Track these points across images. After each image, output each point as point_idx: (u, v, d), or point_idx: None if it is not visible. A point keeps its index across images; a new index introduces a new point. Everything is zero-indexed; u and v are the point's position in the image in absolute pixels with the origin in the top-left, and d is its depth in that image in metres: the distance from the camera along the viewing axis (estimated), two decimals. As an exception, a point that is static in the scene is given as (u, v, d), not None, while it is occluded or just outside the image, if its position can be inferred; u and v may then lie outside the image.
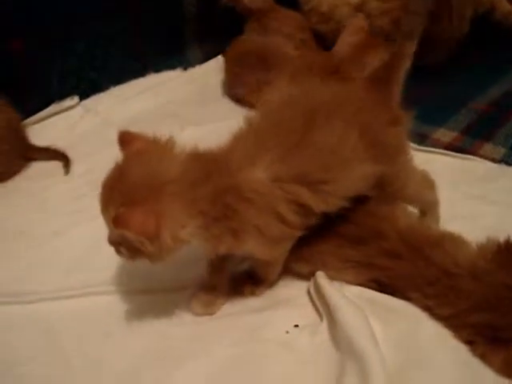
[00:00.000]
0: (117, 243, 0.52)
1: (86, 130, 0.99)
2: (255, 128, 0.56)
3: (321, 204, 0.54)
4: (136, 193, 0.50)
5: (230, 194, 0.51)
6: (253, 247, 0.54)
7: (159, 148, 0.54)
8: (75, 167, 0.91)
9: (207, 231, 0.51)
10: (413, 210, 0.68)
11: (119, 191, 0.51)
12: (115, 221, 0.48)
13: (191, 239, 0.51)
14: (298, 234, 0.56)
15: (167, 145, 0.54)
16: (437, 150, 0.86)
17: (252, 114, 0.58)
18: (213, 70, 1.15)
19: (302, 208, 0.54)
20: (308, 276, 0.62)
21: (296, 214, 0.54)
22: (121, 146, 0.54)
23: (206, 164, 0.52)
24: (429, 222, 0.65)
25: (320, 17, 1.08)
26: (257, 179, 0.52)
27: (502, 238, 0.65)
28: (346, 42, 0.93)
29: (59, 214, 0.80)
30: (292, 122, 0.54)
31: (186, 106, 1.05)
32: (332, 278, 0.60)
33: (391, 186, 0.60)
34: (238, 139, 0.55)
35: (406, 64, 0.61)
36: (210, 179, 0.51)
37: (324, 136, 0.53)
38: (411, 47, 0.61)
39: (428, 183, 0.66)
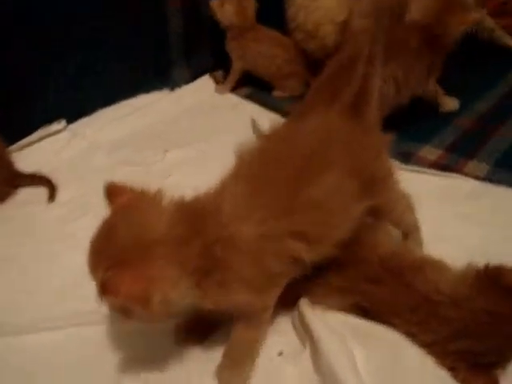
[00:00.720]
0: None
1: (73, 154, 1.00)
2: (245, 175, 0.55)
3: (314, 256, 0.53)
4: (124, 254, 0.48)
5: (220, 247, 0.50)
6: (242, 298, 0.52)
7: (147, 202, 0.52)
8: (62, 193, 0.91)
9: (198, 289, 0.50)
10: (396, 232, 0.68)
11: (106, 252, 0.49)
12: (102, 287, 0.46)
13: (183, 300, 0.50)
14: (287, 281, 0.55)
15: (155, 198, 0.52)
16: (421, 169, 0.86)
17: (241, 154, 0.56)
18: (199, 89, 1.16)
19: (294, 260, 0.53)
20: (292, 302, 0.62)
21: (287, 266, 0.53)
22: (108, 200, 0.53)
23: (195, 217, 0.51)
24: (412, 245, 0.65)
25: (305, 34, 1.09)
26: (248, 234, 0.50)
27: (486, 259, 0.65)
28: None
29: (45, 241, 0.80)
30: (283, 173, 0.53)
31: (172, 127, 1.06)
32: (316, 303, 0.60)
33: (379, 213, 0.60)
34: (228, 187, 0.54)
35: (377, 83, 0.61)
36: (200, 234, 0.50)
37: (318, 189, 0.52)
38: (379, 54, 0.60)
39: (409, 206, 0.66)
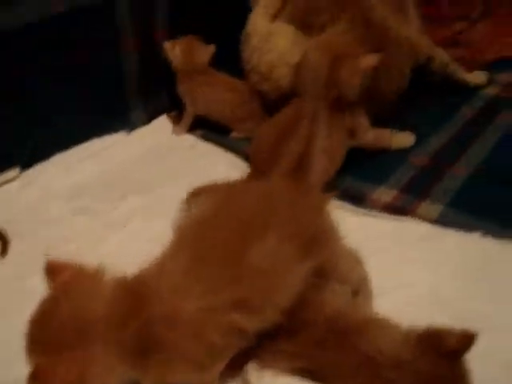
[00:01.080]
0: None
1: (28, 204, 0.98)
2: (185, 246, 0.54)
3: (258, 325, 0.53)
4: (59, 338, 0.47)
5: (160, 325, 0.49)
6: (185, 377, 0.52)
7: (87, 280, 0.52)
8: (15, 245, 0.89)
9: (138, 369, 0.49)
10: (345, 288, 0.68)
11: (41, 336, 0.48)
12: (34, 374, 0.45)
13: (122, 382, 0.49)
14: (232, 354, 0.55)
15: (96, 275, 0.52)
16: (374, 213, 0.86)
17: (180, 224, 0.56)
18: (157, 130, 1.15)
19: (238, 332, 0.52)
20: (240, 367, 0.62)
21: (230, 339, 0.52)
22: (48, 278, 0.52)
23: (135, 295, 0.50)
24: (360, 301, 0.65)
25: (260, 76, 1.09)
26: (188, 310, 0.50)
27: (437, 307, 0.66)
28: None
29: (2, 298, 0.78)
30: (222, 243, 0.53)
31: (130, 172, 1.05)
32: (264, 367, 0.60)
33: (324, 272, 0.60)
34: (169, 260, 0.53)
35: (321, 144, 0.61)
36: (139, 312, 0.49)
37: (258, 256, 0.52)
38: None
39: (356, 259, 0.66)
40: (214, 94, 1.11)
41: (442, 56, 1.18)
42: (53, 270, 0.52)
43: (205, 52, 1.11)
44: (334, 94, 0.90)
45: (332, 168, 0.92)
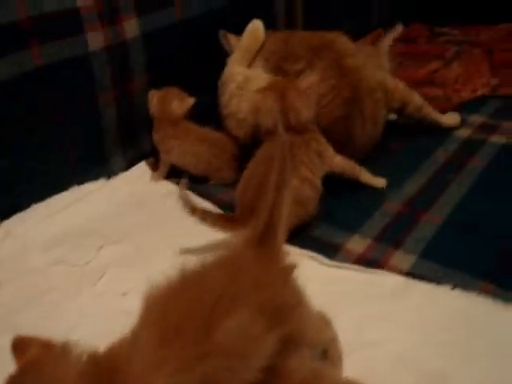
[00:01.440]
0: None
1: (6, 254, 0.98)
2: (155, 321, 0.54)
3: None
4: None
5: None
6: None
7: (55, 356, 0.51)
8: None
9: None
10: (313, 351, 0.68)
11: None
12: None
13: None
14: None
15: (64, 351, 0.51)
16: (346, 266, 0.87)
17: (149, 297, 0.56)
18: (135, 177, 1.16)
19: None
20: None
21: None
22: (14, 355, 0.51)
23: (104, 372, 0.49)
24: (329, 363, 0.66)
25: (237, 122, 1.11)
26: None
27: (407, 366, 0.66)
28: None
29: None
30: (191, 317, 0.52)
31: (108, 220, 1.05)
32: None
33: (290, 339, 0.61)
34: (139, 335, 0.54)
35: (286, 210, 0.62)
36: None
37: (225, 331, 0.52)
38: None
39: (324, 321, 0.67)
40: (187, 145, 1.12)
41: (415, 99, 1.21)
42: (19, 348, 0.52)
43: (182, 103, 1.12)
44: (292, 123, 0.95)
45: (306, 206, 0.94)
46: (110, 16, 1.09)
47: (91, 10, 1.05)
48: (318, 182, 0.97)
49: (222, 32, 1.21)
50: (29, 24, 0.97)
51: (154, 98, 1.13)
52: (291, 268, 0.61)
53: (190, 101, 1.13)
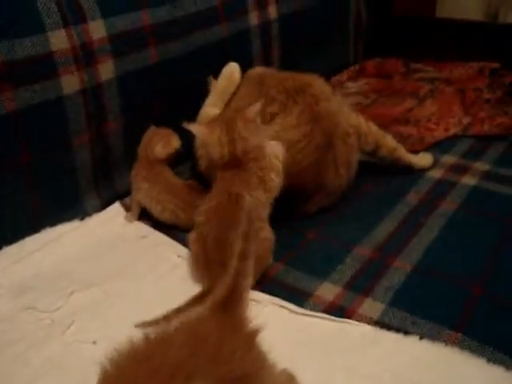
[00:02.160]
0: None
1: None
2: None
3: None
4: None
5: None
6: None
7: None
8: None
9: None
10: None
11: None
12: None
13: None
14: None
15: None
16: (316, 314, 0.88)
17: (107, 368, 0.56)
18: (109, 218, 1.16)
19: None
20: None
21: None
22: None
23: None
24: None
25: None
26: None
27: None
28: None
29: None
30: None
31: (80, 264, 1.05)
32: None
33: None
34: None
35: (250, 282, 0.63)
36: None
37: None
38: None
39: (288, 379, 0.67)
40: (154, 191, 1.10)
41: (388, 142, 1.23)
42: None
43: (165, 147, 1.12)
44: (239, 152, 0.98)
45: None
46: (86, 59, 1.09)
47: (66, 53, 1.06)
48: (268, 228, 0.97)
49: (209, 78, 1.23)
50: (2, 69, 0.97)
51: (144, 135, 1.13)
52: (255, 333, 0.62)
53: (174, 145, 1.13)
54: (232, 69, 1.20)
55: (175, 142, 1.14)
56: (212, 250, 0.92)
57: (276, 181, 1.00)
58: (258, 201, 0.97)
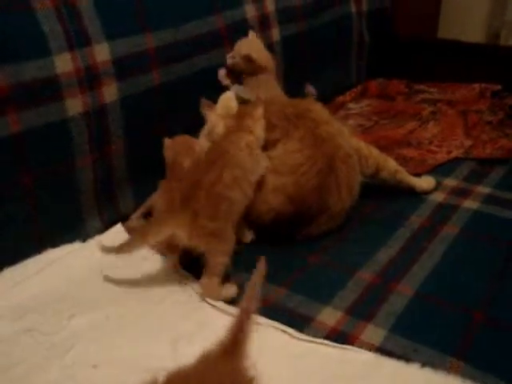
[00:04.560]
0: None
1: (-26, 323, 0.97)
2: None
3: None
4: None
5: None
6: None
7: None
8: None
9: None
10: None
11: None
12: None
13: None
14: None
15: None
16: (317, 340, 0.87)
17: None
18: (111, 240, 1.16)
19: None
20: None
21: None
22: None
23: None
24: None
25: None
26: None
27: None
28: None
29: None
30: None
31: (81, 287, 1.04)
32: None
33: None
34: None
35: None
36: None
37: None
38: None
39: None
40: None
41: (389, 165, 1.23)
42: None
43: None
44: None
45: None
46: (90, 81, 1.10)
47: (71, 76, 1.07)
48: (249, 188, 1.04)
49: (203, 100, 1.23)
50: (6, 92, 0.97)
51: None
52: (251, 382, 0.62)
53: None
54: (229, 96, 1.20)
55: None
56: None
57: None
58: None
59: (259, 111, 1.10)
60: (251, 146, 1.08)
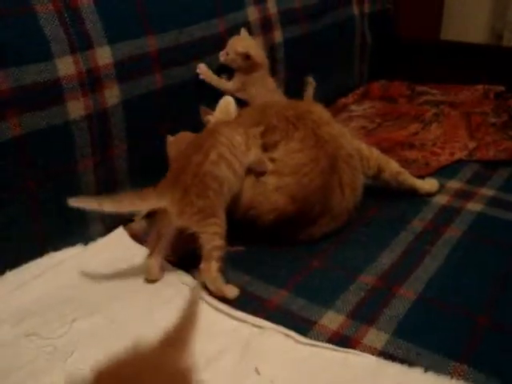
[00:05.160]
0: None
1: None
2: None
3: None
4: None
5: None
6: None
7: None
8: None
9: None
10: None
11: None
12: None
13: None
14: None
15: None
16: (320, 344, 0.87)
17: None
18: (114, 242, 1.16)
19: None
20: None
21: None
22: None
23: None
24: None
25: None
26: None
27: None
28: None
29: None
30: None
31: (83, 290, 1.04)
32: None
33: None
34: None
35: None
36: None
37: None
38: None
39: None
40: None
41: (391, 166, 1.23)
42: None
43: None
44: None
45: None
46: (92, 84, 1.10)
47: (73, 79, 1.07)
48: (239, 167, 1.05)
49: (202, 108, 1.24)
50: (8, 95, 0.97)
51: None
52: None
53: None
54: (228, 101, 1.20)
55: None
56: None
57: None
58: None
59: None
60: (246, 133, 1.10)
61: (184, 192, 0.97)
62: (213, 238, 0.98)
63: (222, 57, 1.35)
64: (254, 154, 1.10)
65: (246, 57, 1.34)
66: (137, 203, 0.98)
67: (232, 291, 0.98)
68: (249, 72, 1.36)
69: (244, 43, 1.36)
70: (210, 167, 1.01)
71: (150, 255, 1.03)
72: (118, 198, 0.97)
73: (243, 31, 1.39)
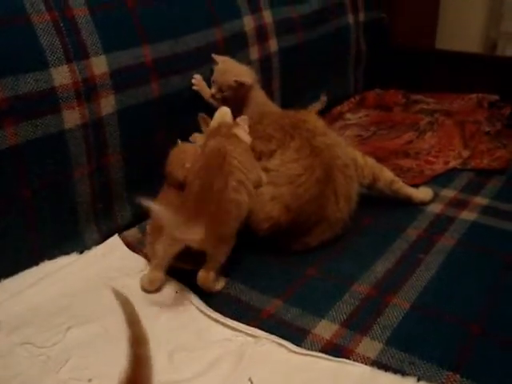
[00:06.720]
0: None
1: (-30, 335, 0.97)
2: None
3: None
4: None
5: None
6: None
7: None
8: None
9: None
10: None
11: None
12: None
13: None
14: None
15: None
16: (314, 354, 0.87)
17: None
18: (108, 251, 1.16)
19: None
20: None
21: None
22: None
23: None
24: None
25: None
26: None
27: None
28: None
29: None
30: None
31: (77, 298, 1.04)
32: None
33: None
34: None
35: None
36: None
37: None
38: None
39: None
40: None
41: (386, 175, 1.24)
42: None
43: None
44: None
45: None
46: (88, 94, 1.10)
47: (69, 88, 1.07)
48: (251, 187, 1.06)
49: (201, 115, 1.24)
50: (4, 104, 0.98)
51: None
52: None
53: None
54: (225, 111, 1.21)
55: None
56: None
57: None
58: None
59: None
60: (246, 148, 1.11)
61: (209, 222, 0.95)
62: (222, 257, 1.01)
63: (217, 95, 1.31)
64: (258, 169, 1.12)
65: (241, 85, 1.31)
66: (176, 233, 0.96)
67: (221, 283, 1.04)
68: (242, 96, 1.34)
69: (233, 72, 1.31)
70: (233, 194, 1.01)
71: (154, 268, 1.04)
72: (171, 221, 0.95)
73: (218, 57, 1.32)
